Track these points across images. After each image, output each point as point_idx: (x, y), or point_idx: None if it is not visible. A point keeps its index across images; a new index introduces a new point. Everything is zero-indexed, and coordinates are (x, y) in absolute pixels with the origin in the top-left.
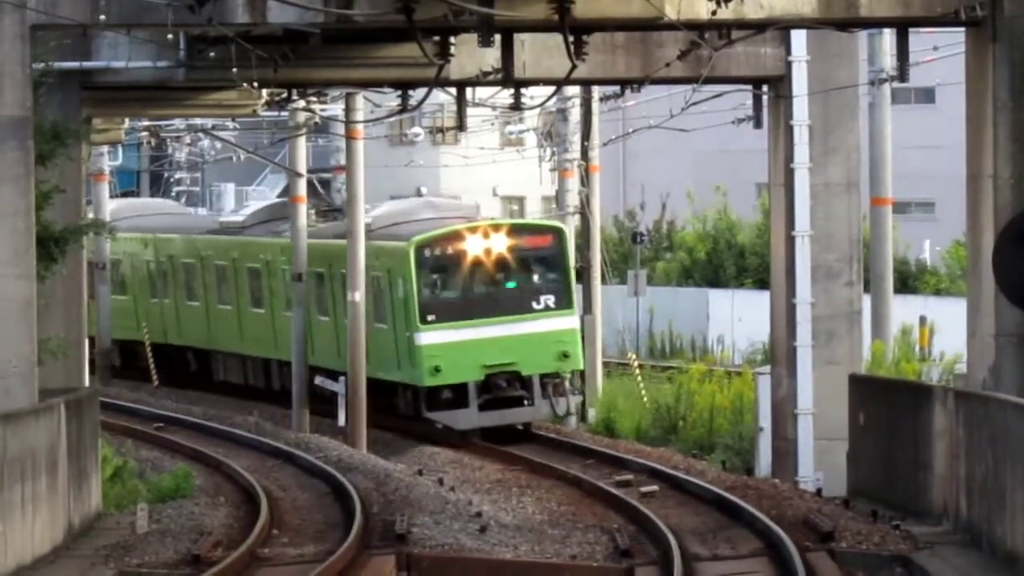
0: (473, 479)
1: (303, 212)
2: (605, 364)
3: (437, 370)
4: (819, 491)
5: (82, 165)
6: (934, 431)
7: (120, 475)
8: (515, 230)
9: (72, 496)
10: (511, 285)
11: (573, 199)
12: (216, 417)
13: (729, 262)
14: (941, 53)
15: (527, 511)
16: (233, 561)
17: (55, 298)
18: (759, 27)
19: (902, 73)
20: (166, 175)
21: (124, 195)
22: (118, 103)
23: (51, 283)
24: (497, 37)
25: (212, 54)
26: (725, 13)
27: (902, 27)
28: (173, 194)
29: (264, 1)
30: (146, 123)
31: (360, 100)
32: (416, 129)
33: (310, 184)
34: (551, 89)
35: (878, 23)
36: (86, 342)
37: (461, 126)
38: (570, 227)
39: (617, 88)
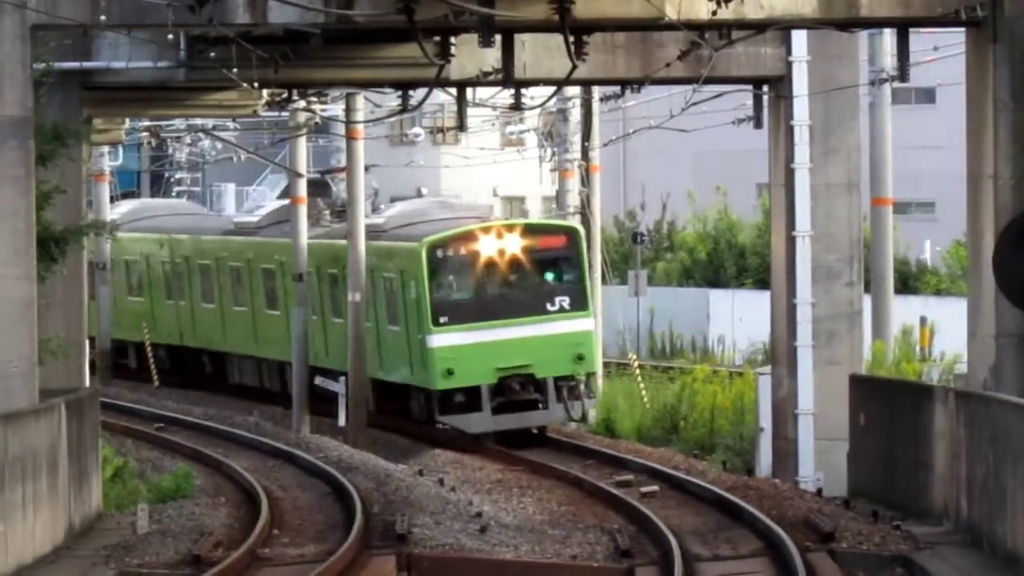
0: (473, 479)
1: (303, 212)
2: (605, 364)
3: (450, 373)
4: (820, 491)
5: (83, 165)
6: (935, 431)
7: (121, 475)
8: (529, 230)
9: (73, 496)
10: (526, 285)
11: (573, 199)
12: (216, 417)
13: (729, 262)
14: (941, 53)
15: (527, 511)
16: (233, 561)
17: (55, 298)
18: (759, 27)
19: (902, 73)
20: (166, 175)
21: (125, 195)
22: (118, 103)
23: (51, 283)
24: (497, 37)
25: (212, 54)
26: (725, 13)
27: (902, 27)
28: (174, 194)
29: (264, 1)
30: (146, 123)
31: (360, 100)
32: (416, 129)
33: (323, 184)
34: (551, 89)
35: (878, 23)
36: (86, 342)
37: (461, 126)
38: None
39: (617, 88)
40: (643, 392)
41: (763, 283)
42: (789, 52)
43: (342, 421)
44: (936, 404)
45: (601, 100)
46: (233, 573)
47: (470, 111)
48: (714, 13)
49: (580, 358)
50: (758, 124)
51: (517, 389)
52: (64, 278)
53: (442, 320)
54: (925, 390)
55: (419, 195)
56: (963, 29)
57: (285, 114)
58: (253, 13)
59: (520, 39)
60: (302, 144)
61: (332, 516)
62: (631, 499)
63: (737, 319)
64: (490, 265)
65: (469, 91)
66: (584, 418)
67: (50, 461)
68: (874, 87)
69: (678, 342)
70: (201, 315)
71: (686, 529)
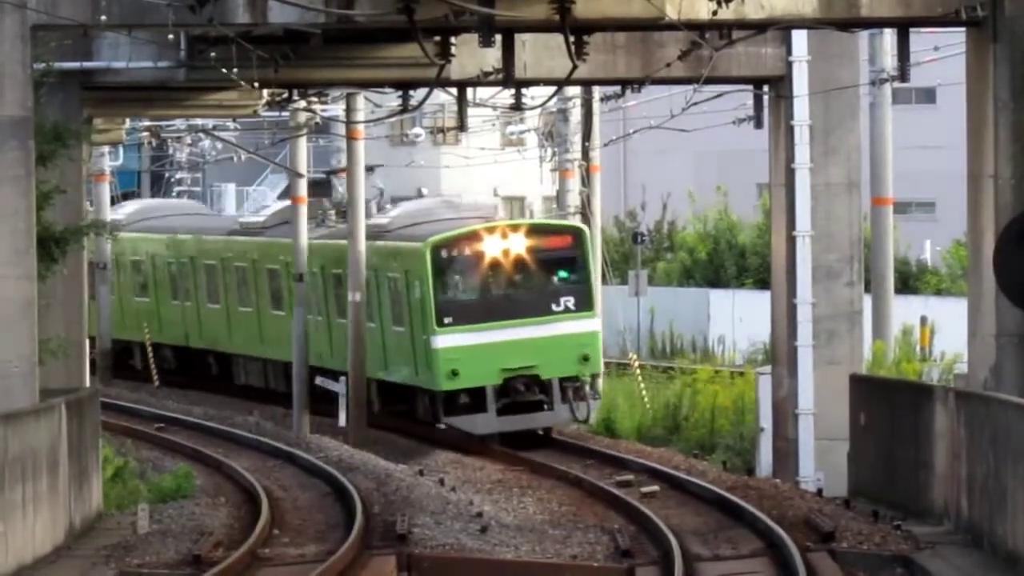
0: (474, 479)
1: (303, 212)
2: (606, 364)
3: (454, 374)
4: (820, 491)
5: (83, 165)
6: (935, 431)
7: (121, 475)
8: (534, 230)
9: (73, 496)
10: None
11: (574, 199)
12: (217, 417)
13: (730, 262)
14: (942, 53)
15: (528, 511)
16: (234, 561)
17: (56, 298)
18: (760, 27)
19: (903, 73)
20: (167, 175)
21: (125, 196)
22: (119, 103)
23: (52, 283)
24: (498, 37)
25: (213, 54)
26: (726, 13)
27: (903, 27)
28: (174, 194)
29: (265, 1)
30: (147, 123)
31: (361, 100)
32: (417, 129)
33: (325, 184)
34: (552, 89)
35: (879, 23)
36: (87, 342)
37: (462, 126)
38: None
39: (618, 88)
40: (643, 392)
41: (763, 283)
42: (789, 52)
43: (342, 421)
44: (936, 404)
45: (601, 100)
46: (233, 573)
47: (470, 111)
48: (714, 13)
49: (585, 359)
50: (758, 124)
51: (522, 390)
52: (64, 278)
53: (447, 321)
54: (925, 390)
55: (419, 195)
56: (963, 29)
57: (285, 114)
58: (253, 13)
59: (520, 39)
60: (302, 144)
61: (332, 516)
62: (631, 499)
63: (737, 319)
64: (495, 265)
65: (469, 91)
66: (588, 419)
67: (50, 461)
68: (874, 87)
69: (678, 342)
70: (207, 316)
71: (686, 529)
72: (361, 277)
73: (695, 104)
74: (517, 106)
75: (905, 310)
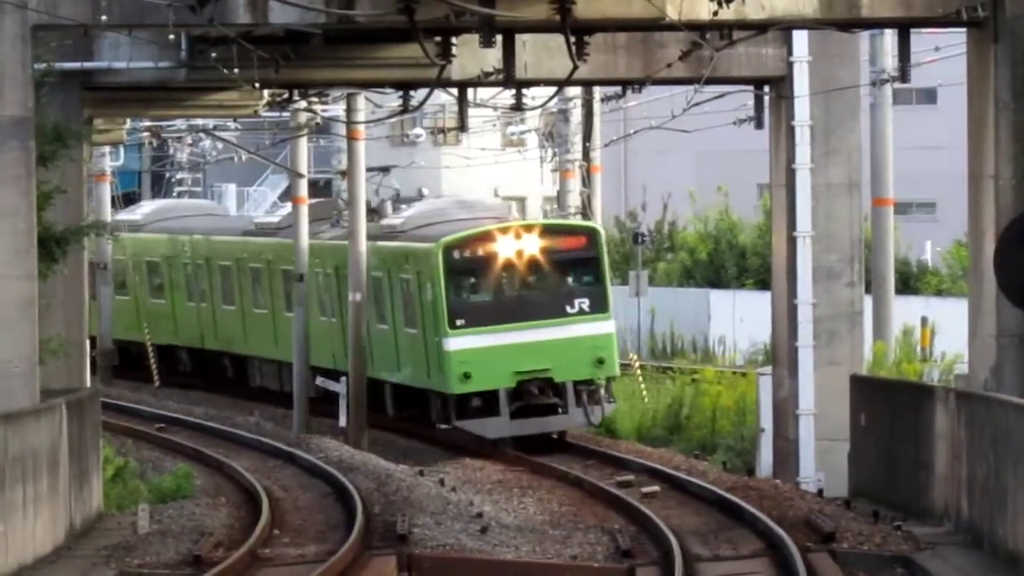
0: (474, 480)
1: (304, 213)
2: None
3: (467, 377)
4: (820, 492)
5: (83, 166)
6: (935, 432)
7: (121, 475)
8: (548, 231)
9: (73, 496)
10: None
11: (575, 200)
12: (217, 417)
13: (730, 263)
14: (943, 54)
15: (528, 512)
16: (234, 561)
17: (56, 298)
18: (760, 27)
19: (903, 73)
20: (167, 175)
21: (125, 196)
22: (119, 103)
23: (52, 283)
24: (498, 38)
25: (213, 55)
26: (726, 14)
27: (903, 27)
28: (175, 194)
29: (265, 1)
30: (147, 123)
31: (361, 101)
32: (417, 130)
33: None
34: (552, 90)
35: (879, 23)
36: (87, 342)
37: (462, 127)
38: None
39: (618, 89)
40: (643, 392)
41: (764, 283)
42: (790, 52)
43: (343, 421)
44: (937, 404)
45: (602, 100)
46: (234, 573)
47: (471, 111)
48: (715, 13)
49: (600, 362)
50: (759, 124)
51: (536, 393)
52: (65, 278)
53: (459, 323)
54: (926, 390)
55: (420, 195)
56: (964, 29)
57: (286, 114)
58: (254, 13)
59: (521, 39)
60: (303, 144)
61: (333, 516)
62: (632, 499)
63: (738, 319)
64: (508, 266)
65: (470, 91)
66: (601, 423)
67: (51, 461)
68: (875, 87)
69: (679, 342)
70: (222, 318)
71: (687, 529)
72: (362, 277)
73: (696, 104)
74: (518, 106)
75: (906, 311)
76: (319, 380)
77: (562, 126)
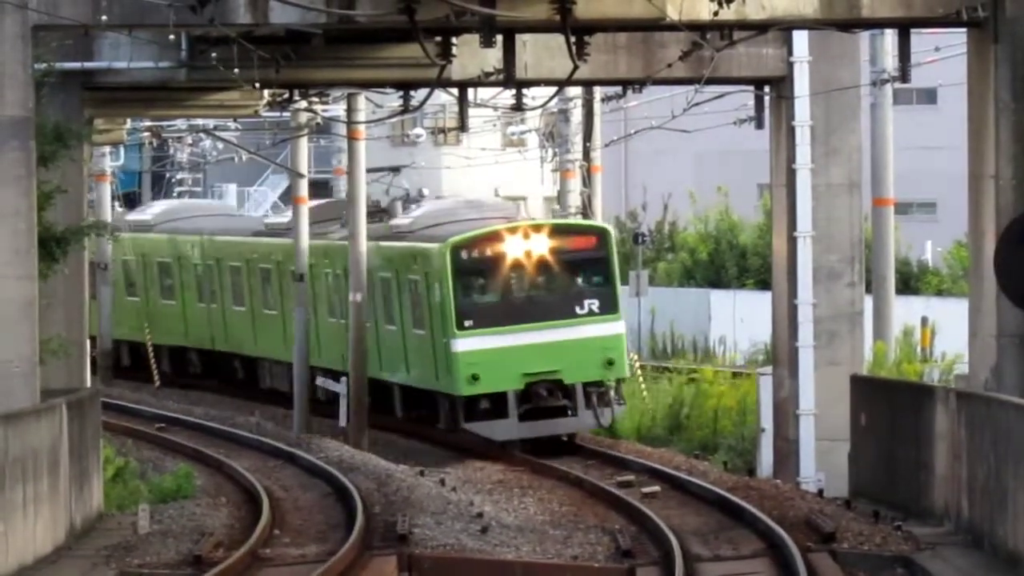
0: (475, 480)
1: (304, 213)
2: None
3: (475, 379)
4: (821, 492)
5: (84, 166)
6: (936, 432)
7: (122, 475)
8: (557, 231)
9: (74, 496)
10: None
11: (575, 200)
12: (217, 418)
13: (731, 263)
14: (943, 54)
15: (529, 512)
16: (235, 562)
17: (56, 298)
18: (761, 28)
19: (904, 74)
20: (168, 175)
21: (126, 196)
22: (120, 104)
23: (53, 283)
24: (499, 38)
25: (214, 55)
26: (727, 14)
27: (904, 28)
28: (175, 194)
29: (266, 1)
30: (148, 123)
31: (362, 101)
32: (418, 130)
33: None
34: (553, 90)
35: (880, 24)
36: (87, 342)
37: (463, 127)
38: None
39: (619, 89)
40: (644, 392)
41: (764, 284)
42: (790, 53)
43: (343, 422)
44: (937, 405)
45: (602, 100)
46: (234, 573)
47: (471, 112)
48: (716, 14)
49: (610, 363)
50: (759, 125)
51: (545, 395)
52: (65, 278)
53: (467, 324)
54: (926, 390)
55: (420, 196)
56: (964, 29)
57: (286, 114)
58: (254, 13)
59: (521, 39)
60: (303, 145)
61: (333, 516)
62: (632, 499)
63: (738, 320)
64: (517, 267)
65: (470, 91)
66: (612, 425)
67: (51, 461)
68: (875, 87)
69: (679, 342)
70: (232, 319)
71: (687, 529)
72: (362, 277)
73: (696, 105)
74: (518, 107)
75: (906, 311)
76: (319, 380)
77: (562, 126)
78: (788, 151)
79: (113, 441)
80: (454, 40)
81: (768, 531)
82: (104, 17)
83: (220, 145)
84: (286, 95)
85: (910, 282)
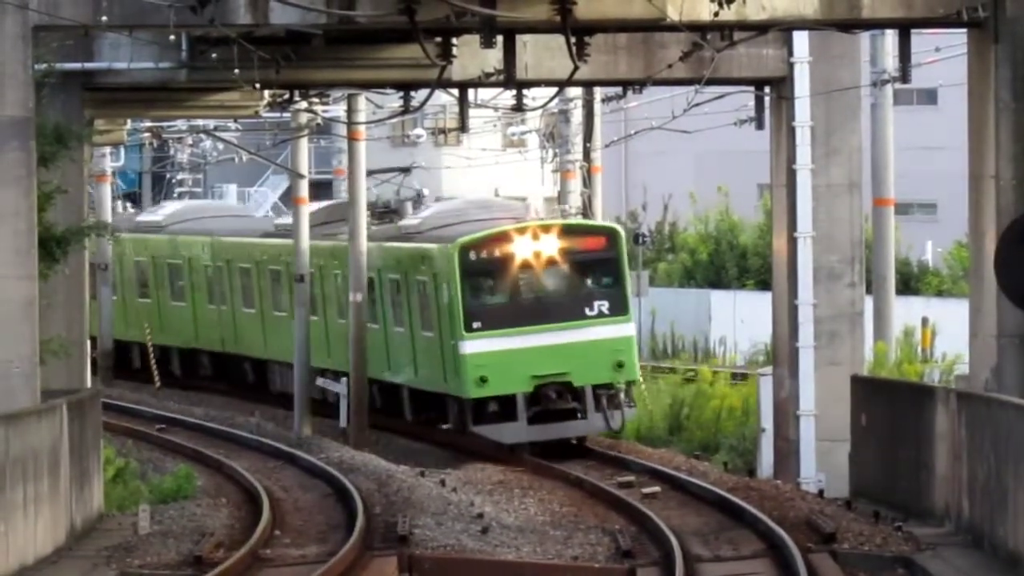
0: (475, 480)
1: (304, 213)
2: None
3: (483, 381)
4: (821, 492)
5: (84, 166)
6: (936, 432)
7: (122, 476)
8: (567, 231)
9: (74, 497)
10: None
11: (575, 200)
12: (217, 418)
13: (731, 263)
14: (943, 54)
15: (529, 512)
16: (235, 562)
17: (57, 299)
18: (761, 28)
19: (904, 74)
20: (168, 176)
21: (127, 196)
22: (120, 104)
23: (53, 283)
24: (499, 38)
25: (214, 55)
26: (727, 14)
27: (904, 28)
28: (175, 195)
29: (266, 2)
30: (148, 124)
31: (362, 101)
32: (418, 130)
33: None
34: (553, 90)
35: (880, 24)
36: (88, 343)
37: (463, 127)
38: None
39: (619, 89)
40: (644, 393)
41: (765, 284)
42: (791, 53)
43: (343, 422)
44: (937, 405)
45: (603, 101)
46: (235, 574)
47: (472, 112)
48: (716, 14)
49: (620, 365)
50: (760, 125)
51: (554, 398)
52: (66, 278)
53: (475, 325)
54: (926, 391)
55: (420, 196)
56: (965, 30)
57: (287, 115)
58: (255, 14)
59: (522, 40)
60: (303, 145)
61: (334, 517)
62: (633, 500)
63: (739, 320)
64: (526, 267)
65: (471, 92)
66: (622, 428)
67: (51, 462)
68: (876, 88)
69: (679, 343)
70: (242, 321)
71: (687, 530)
72: (362, 277)
73: (696, 105)
74: (518, 107)
75: (906, 311)
76: (320, 381)
77: (563, 127)
78: (788, 151)
79: (113, 441)
80: (454, 41)
81: (768, 532)
82: (104, 18)
83: (220, 146)
84: (286, 96)
85: (910, 282)
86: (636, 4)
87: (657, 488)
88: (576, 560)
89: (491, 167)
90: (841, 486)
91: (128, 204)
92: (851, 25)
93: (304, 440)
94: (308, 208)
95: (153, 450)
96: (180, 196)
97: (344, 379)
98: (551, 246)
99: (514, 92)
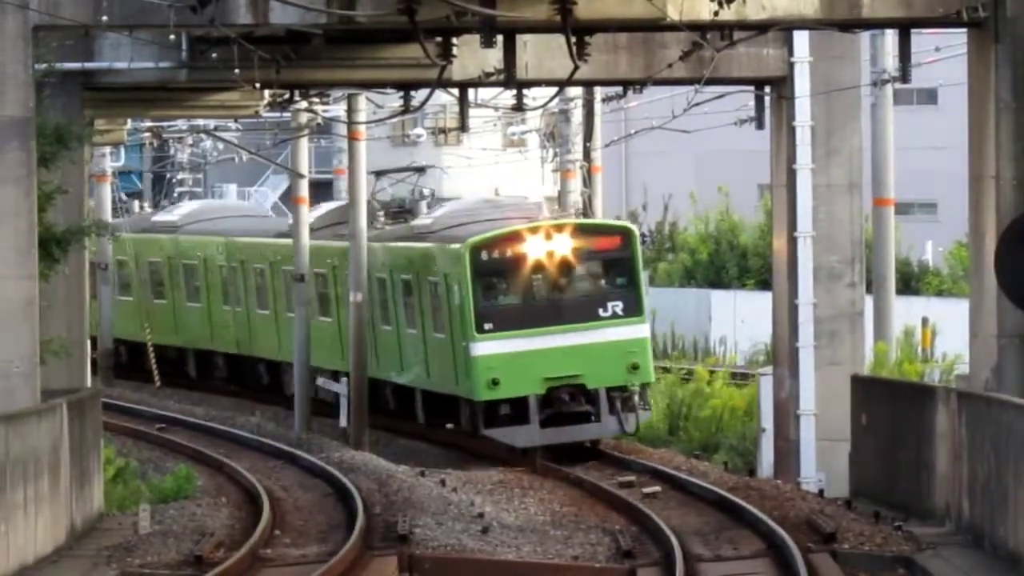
0: (475, 480)
1: (304, 212)
2: None
3: (495, 383)
4: (821, 492)
5: (84, 166)
6: (936, 432)
7: (122, 476)
8: (580, 231)
9: (74, 497)
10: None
11: (575, 200)
12: (218, 418)
13: (731, 263)
14: (943, 54)
15: (529, 512)
16: (235, 562)
17: (57, 298)
18: (761, 28)
19: (904, 74)
20: (168, 176)
21: (128, 196)
22: (120, 104)
23: (53, 283)
24: (499, 38)
25: (214, 55)
26: (727, 14)
27: (904, 28)
28: (175, 195)
29: (266, 2)
30: (148, 124)
31: (362, 101)
32: (418, 130)
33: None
34: (553, 90)
35: (880, 24)
36: (88, 343)
37: (463, 127)
38: None
39: (619, 89)
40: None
41: (765, 284)
42: (791, 53)
43: (343, 422)
44: (938, 405)
45: (603, 101)
46: (235, 574)
47: (472, 112)
48: (716, 14)
49: (635, 367)
50: (760, 125)
51: (567, 400)
52: (66, 278)
53: (487, 327)
54: (927, 391)
55: (421, 196)
56: (965, 29)
57: (287, 115)
58: (255, 14)
59: (522, 40)
60: (304, 145)
61: (334, 517)
62: (633, 500)
63: (739, 320)
64: (538, 268)
65: (471, 92)
66: (636, 431)
67: (52, 461)
68: (876, 88)
69: (680, 343)
70: (256, 322)
71: (688, 530)
72: (362, 277)
73: (696, 105)
74: (519, 107)
75: (907, 311)
76: (320, 381)
77: (563, 126)
78: (789, 151)
79: (114, 441)
80: (454, 40)
81: (769, 531)
82: (104, 17)
83: (220, 145)
84: (286, 95)
85: (911, 282)
86: (636, 4)
87: (657, 488)
88: (576, 560)
89: (491, 167)
90: (841, 486)
91: (146, 204)
92: (851, 25)
93: (304, 440)
94: (308, 208)
95: (153, 450)
96: (180, 196)
97: (344, 379)
98: (564, 246)
99: (514, 92)
